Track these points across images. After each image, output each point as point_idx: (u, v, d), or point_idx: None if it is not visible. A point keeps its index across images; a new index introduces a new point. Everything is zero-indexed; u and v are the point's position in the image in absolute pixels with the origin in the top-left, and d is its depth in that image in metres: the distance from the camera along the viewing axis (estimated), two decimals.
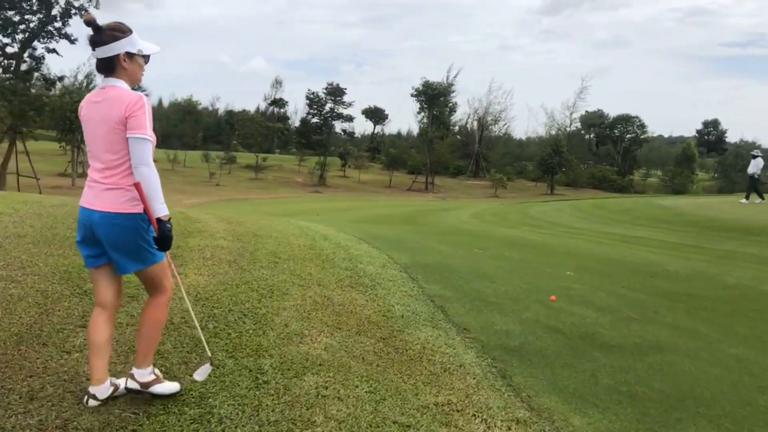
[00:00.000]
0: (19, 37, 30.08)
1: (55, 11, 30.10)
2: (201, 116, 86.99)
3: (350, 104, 67.42)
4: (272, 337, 4.18)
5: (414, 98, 68.66)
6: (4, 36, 29.58)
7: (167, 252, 3.00)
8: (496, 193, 63.51)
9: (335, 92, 66.28)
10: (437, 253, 8.70)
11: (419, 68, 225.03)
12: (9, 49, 29.99)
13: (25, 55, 30.47)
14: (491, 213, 24.19)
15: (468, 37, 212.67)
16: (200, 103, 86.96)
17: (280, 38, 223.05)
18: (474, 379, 3.98)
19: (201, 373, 3.14)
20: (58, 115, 35.95)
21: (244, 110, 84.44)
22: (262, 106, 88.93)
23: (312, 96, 67.35)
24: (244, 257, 6.15)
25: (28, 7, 29.67)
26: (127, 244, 2.81)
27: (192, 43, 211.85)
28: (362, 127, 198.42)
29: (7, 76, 30.25)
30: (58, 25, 30.59)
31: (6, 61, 30.03)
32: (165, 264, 3.01)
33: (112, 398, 2.97)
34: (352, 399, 3.39)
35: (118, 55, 2.82)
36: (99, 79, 2.99)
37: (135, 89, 2.92)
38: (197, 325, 3.31)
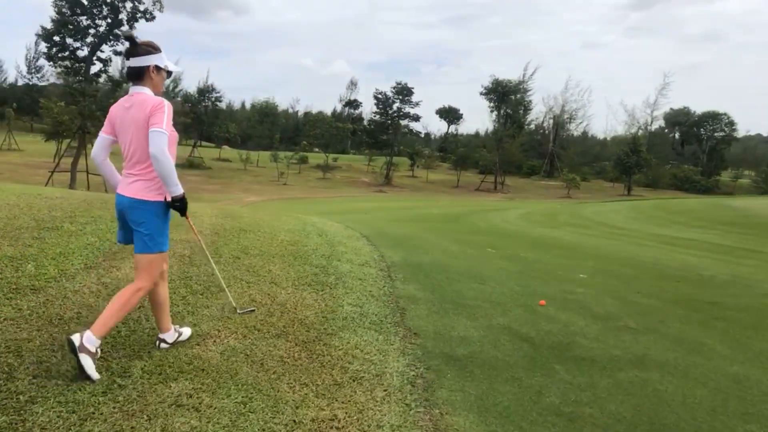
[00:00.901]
0: (89, 41, 31.60)
1: (122, 15, 31.51)
2: (278, 118, 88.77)
3: (417, 104, 66.96)
4: None
5: (483, 96, 67.32)
6: (74, 40, 31.26)
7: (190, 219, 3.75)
8: (568, 193, 61.32)
9: (403, 92, 65.93)
10: (441, 252, 8.17)
11: (500, 67, 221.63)
12: (79, 53, 31.59)
13: (93, 58, 31.94)
14: (543, 213, 23.15)
15: (550, 35, 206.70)
16: (278, 106, 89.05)
17: (361, 41, 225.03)
18: (384, 391, 3.48)
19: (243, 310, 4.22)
20: None
21: (320, 112, 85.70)
22: (339, 107, 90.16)
23: (380, 96, 67.32)
24: (204, 252, 5.86)
25: (98, 13, 31.11)
26: (144, 226, 3.30)
27: (276, 47, 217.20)
28: (436, 126, 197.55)
29: (77, 78, 31.85)
30: (125, 28, 31.99)
31: (77, 65, 31.60)
32: (163, 258, 3.44)
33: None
34: (212, 410, 2.99)
35: (148, 67, 3.35)
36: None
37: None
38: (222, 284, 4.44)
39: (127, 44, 3.44)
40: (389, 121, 67.70)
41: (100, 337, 3.16)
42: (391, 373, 3.75)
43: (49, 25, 30.65)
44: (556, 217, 20.22)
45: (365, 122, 72.98)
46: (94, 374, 3.10)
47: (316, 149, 77.61)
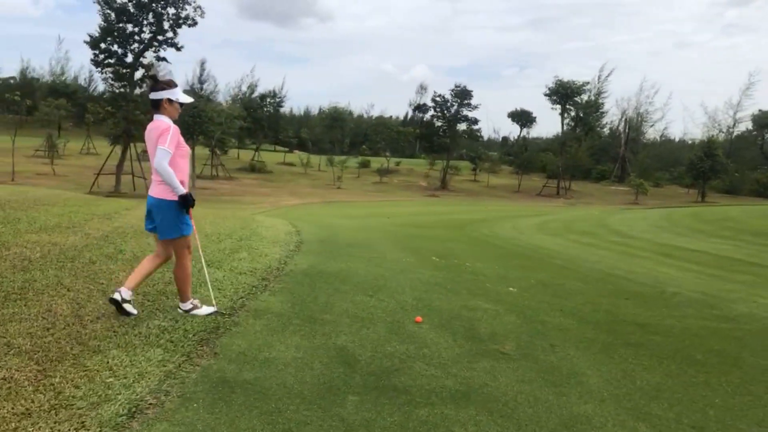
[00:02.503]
0: (133, 47, 32.64)
1: (165, 23, 32.33)
2: (346, 123, 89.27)
3: (476, 106, 65.33)
4: None
5: (547, 98, 65.10)
6: (119, 47, 32.38)
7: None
8: (636, 199, 58.36)
9: (462, 94, 64.61)
10: (367, 261, 7.60)
11: (584, 70, 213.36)
12: (124, 59, 32.63)
13: (137, 64, 32.94)
14: (568, 220, 21.82)
15: (637, 35, 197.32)
16: (351, 111, 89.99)
17: (442, 45, 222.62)
18: (80, 424, 3.00)
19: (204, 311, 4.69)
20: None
21: (380, 116, 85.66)
22: (410, 112, 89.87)
23: (438, 98, 66.28)
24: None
25: (143, 20, 32.08)
26: (164, 218, 4.32)
27: (358, 53, 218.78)
28: (508, 130, 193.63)
29: (121, 84, 32.97)
30: (169, 35, 32.90)
31: (122, 70, 32.72)
32: (185, 241, 4.46)
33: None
34: None
35: (162, 100, 4.28)
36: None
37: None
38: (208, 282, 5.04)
39: (150, 82, 4.45)
40: (446, 125, 66.53)
41: (188, 299, 4.66)
42: (121, 401, 3.24)
43: (96, 33, 31.92)
44: (571, 226, 18.93)
45: (424, 126, 71.97)
46: (210, 309, 4.74)
47: (387, 153, 77.71)
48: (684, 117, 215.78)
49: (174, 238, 4.41)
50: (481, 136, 76.25)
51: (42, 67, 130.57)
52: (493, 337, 5.01)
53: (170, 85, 4.35)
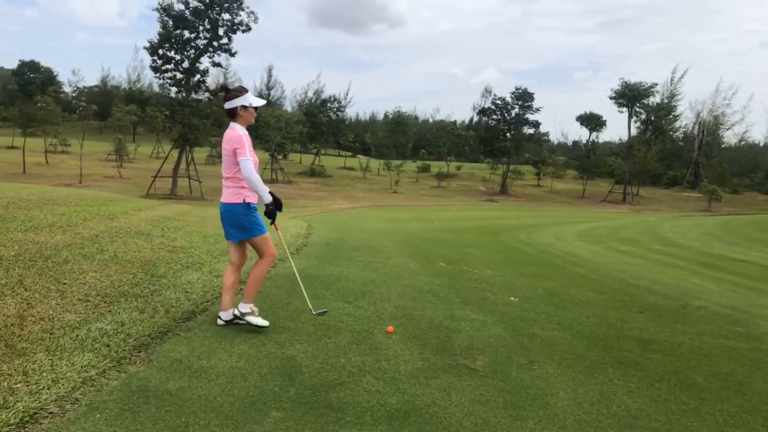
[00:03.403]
0: (189, 53, 33.47)
1: (220, 29, 33.04)
2: (409, 127, 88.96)
3: (538, 109, 63.66)
4: None
5: (612, 101, 62.71)
6: (176, 53, 33.27)
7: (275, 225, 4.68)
8: (709, 206, 55.42)
9: (523, 97, 63.14)
10: (365, 265, 7.31)
11: (661, 71, 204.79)
12: (180, 65, 33.54)
13: (193, 69, 33.75)
14: (617, 227, 20.70)
15: (720, 35, 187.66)
16: (415, 116, 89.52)
17: (512, 48, 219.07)
18: None
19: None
20: (219, 123, 39.32)
21: (454, 121, 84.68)
22: (476, 117, 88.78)
23: (499, 101, 65.04)
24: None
25: (200, 27, 32.89)
26: (232, 221, 4.45)
27: (427, 57, 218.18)
28: (577, 133, 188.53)
29: (178, 89, 33.93)
30: (223, 41, 33.60)
31: (179, 76, 33.63)
32: (264, 238, 4.50)
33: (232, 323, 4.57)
34: None
35: (236, 107, 4.38)
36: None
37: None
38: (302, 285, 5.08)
39: (222, 92, 4.57)
40: (506, 128, 65.17)
41: (250, 302, 4.57)
42: (19, 409, 3.07)
43: (155, 40, 32.97)
44: (619, 232, 17.93)
45: (484, 130, 70.75)
46: (263, 323, 4.56)
47: (451, 158, 77.11)
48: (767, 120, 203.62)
49: (247, 239, 4.51)
50: (548, 140, 74.35)
51: (120, 75, 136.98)
52: (466, 351, 4.61)
53: (241, 91, 4.44)
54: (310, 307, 4.78)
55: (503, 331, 5.17)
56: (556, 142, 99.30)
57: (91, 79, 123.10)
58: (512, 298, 6.34)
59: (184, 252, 6.49)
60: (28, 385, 3.32)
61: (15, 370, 3.46)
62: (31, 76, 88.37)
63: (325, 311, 4.74)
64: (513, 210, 40.65)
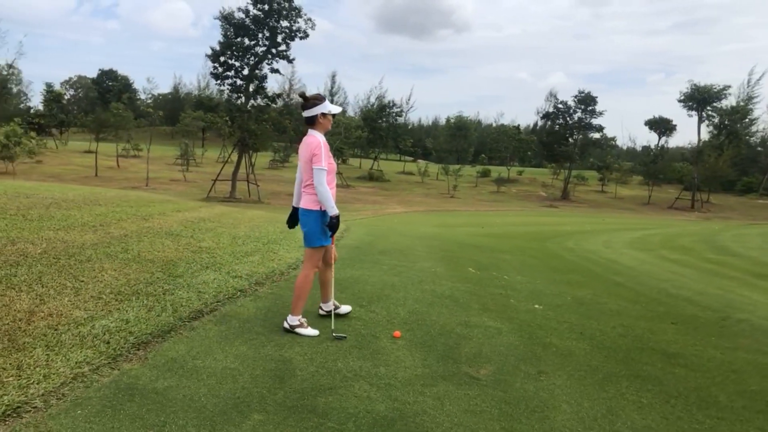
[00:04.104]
0: (249, 60, 34.21)
1: (279, 36, 33.63)
2: (470, 132, 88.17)
3: (601, 113, 61.81)
4: None
5: (681, 104, 60.14)
6: (237, 60, 34.09)
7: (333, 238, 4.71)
8: None
9: (585, 101, 61.47)
10: (389, 269, 7.18)
11: (741, 74, 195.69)
12: (240, 72, 34.34)
13: (252, 76, 34.45)
14: (673, 234, 19.70)
15: None
16: (478, 120, 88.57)
17: (581, 52, 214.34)
18: None
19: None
20: (278, 128, 40.03)
21: (518, 125, 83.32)
22: (539, 121, 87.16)
23: (561, 105, 63.53)
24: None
25: (260, 35, 33.61)
26: (306, 227, 4.54)
27: (493, 62, 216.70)
28: (646, 138, 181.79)
29: (238, 95, 34.70)
30: (281, 48, 34.19)
31: (239, 82, 34.46)
32: (320, 251, 4.62)
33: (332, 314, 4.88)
34: None
35: (316, 115, 4.47)
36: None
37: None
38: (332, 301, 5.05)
39: (301, 100, 4.58)
40: (568, 133, 63.55)
41: (297, 315, 4.61)
42: (4, 402, 3.15)
43: (217, 48, 33.93)
44: (673, 240, 17.06)
45: (545, 134, 69.20)
46: (313, 332, 4.60)
47: (514, 162, 76.05)
48: None
49: (306, 246, 4.62)
50: (615, 145, 72.04)
51: (191, 83, 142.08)
52: (473, 360, 4.45)
53: (320, 99, 4.51)
54: (333, 327, 4.73)
55: (517, 340, 4.97)
56: (624, 147, 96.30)
57: (165, 87, 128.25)
58: (536, 306, 6.10)
59: (207, 253, 6.58)
60: (19, 380, 3.39)
61: (10, 364, 3.55)
62: (110, 84, 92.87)
63: (345, 337, 4.61)
64: (572, 216, 39.57)
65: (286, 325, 4.62)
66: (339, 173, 56.24)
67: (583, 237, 17.56)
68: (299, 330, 4.58)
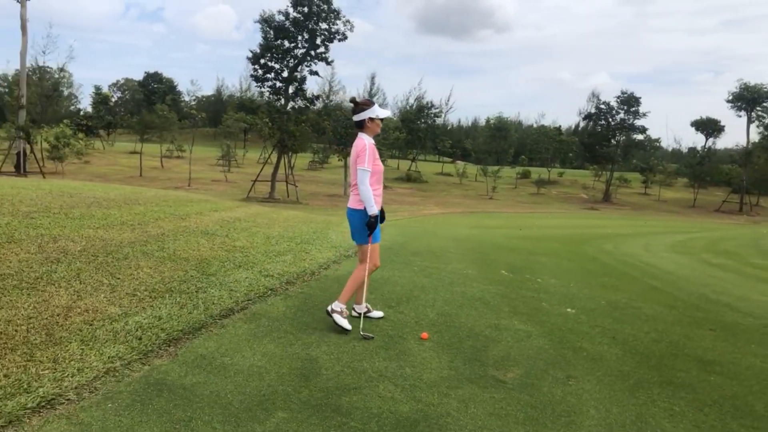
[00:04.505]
0: (289, 63, 34.56)
1: (318, 38, 33.91)
2: (510, 132, 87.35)
3: (644, 114, 60.41)
4: None
5: (729, 104, 58.38)
6: (276, 63, 34.47)
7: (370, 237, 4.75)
8: None
9: (628, 101, 60.18)
10: (420, 270, 7.17)
11: None
12: (281, 74, 34.72)
13: (291, 78, 34.78)
14: (718, 238, 19.07)
15: None
16: (519, 121, 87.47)
17: (625, 51, 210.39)
18: None
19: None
20: (317, 130, 40.31)
21: (559, 126, 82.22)
22: (581, 122, 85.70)
23: (603, 106, 62.37)
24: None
25: (299, 37, 33.94)
26: (354, 226, 4.77)
27: (534, 62, 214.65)
28: (691, 139, 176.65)
29: (277, 97, 35.09)
30: (320, 50, 34.44)
31: (278, 85, 34.82)
32: (370, 248, 4.75)
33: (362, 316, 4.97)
34: None
35: (365, 119, 4.66)
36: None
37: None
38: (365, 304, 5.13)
39: (351, 105, 4.78)
40: (611, 134, 62.29)
41: (344, 303, 4.76)
42: (39, 394, 3.27)
43: (257, 50, 34.41)
44: (718, 244, 16.53)
45: (587, 135, 67.95)
46: (346, 325, 4.69)
47: (556, 164, 75.13)
48: None
49: (356, 243, 4.84)
50: (659, 146, 70.27)
51: (233, 85, 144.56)
52: (500, 363, 4.41)
53: (368, 104, 4.70)
54: (361, 327, 4.78)
55: (546, 343, 4.91)
56: (669, 148, 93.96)
57: (208, 89, 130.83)
58: (569, 310, 6.01)
59: (241, 252, 6.68)
60: (54, 372, 3.51)
61: (47, 357, 3.68)
62: (155, 86, 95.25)
63: (372, 337, 4.66)
64: (613, 219, 38.78)
65: (329, 308, 4.81)
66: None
67: (623, 240, 17.19)
68: (336, 317, 4.73)
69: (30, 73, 34.68)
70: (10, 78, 62.06)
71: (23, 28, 32.86)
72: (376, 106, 4.73)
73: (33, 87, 36.33)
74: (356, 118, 4.69)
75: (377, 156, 4.71)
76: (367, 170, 4.55)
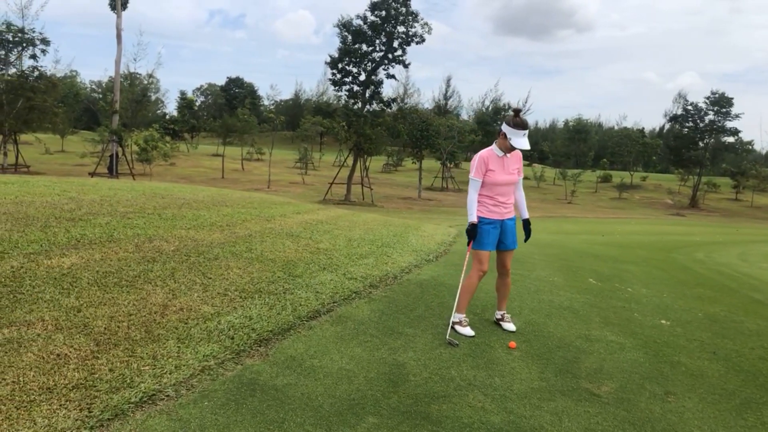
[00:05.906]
0: (366, 66, 34.86)
1: (395, 42, 34.02)
2: (590, 135, 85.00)
3: (737, 116, 57.10)
4: None
5: None
6: (354, 66, 34.81)
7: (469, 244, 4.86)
8: None
9: (719, 102, 57.05)
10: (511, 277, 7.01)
11: None
12: (359, 78, 35.05)
13: (368, 82, 35.03)
14: None
15: None
16: (599, 123, 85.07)
17: (716, 50, 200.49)
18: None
19: (464, 331, 4.82)
20: (392, 133, 40.32)
21: (642, 128, 79.31)
22: (666, 124, 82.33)
23: (690, 107, 59.43)
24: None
25: (377, 41, 34.17)
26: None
27: (617, 62, 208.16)
28: None
29: (354, 101, 35.44)
30: (398, 53, 34.55)
31: (356, 88, 35.18)
32: (478, 254, 4.80)
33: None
34: None
35: (499, 131, 4.67)
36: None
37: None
38: (454, 306, 4.95)
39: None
40: (698, 136, 59.26)
41: (460, 313, 4.87)
42: (141, 389, 3.41)
43: (336, 55, 34.92)
44: None
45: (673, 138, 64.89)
46: (468, 332, 4.80)
47: (638, 168, 72.58)
48: None
49: (475, 250, 4.84)
50: (752, 149, 66.41)
51: (311, 89, 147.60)
52: (593, 375, 4.24)
53: (517, 125, 4.52)
54: (447, 332, 4.79)
55: (642, 356, 4.68)
56: (764, 151, 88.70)
57: (286, 93, 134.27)
58: (663, 321, 5.72)
59: (324, 254, 6.76)
60: (154, 369, 3.64)
61: (147, 354, 3.82)
62: (236, 91, 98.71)
63: (457, 344, 4.58)
64: (701, 226, 36.88)
65: (498, 314, 5.11)
66: (451, 177, 56.04)
67: (715, 248, 16.29)
68: (456, 327, 4.83)
69: (122, 79, 36.56)
70: (103, 84, 65.89)
71: (118, 37, 34.77)
72: (520, 132, 4.52)
73: (124, 92, 38.34)
74: (500, 128, 4.67)
75: (499, 167, 4.66)
76: (474, 179, 4.65)
